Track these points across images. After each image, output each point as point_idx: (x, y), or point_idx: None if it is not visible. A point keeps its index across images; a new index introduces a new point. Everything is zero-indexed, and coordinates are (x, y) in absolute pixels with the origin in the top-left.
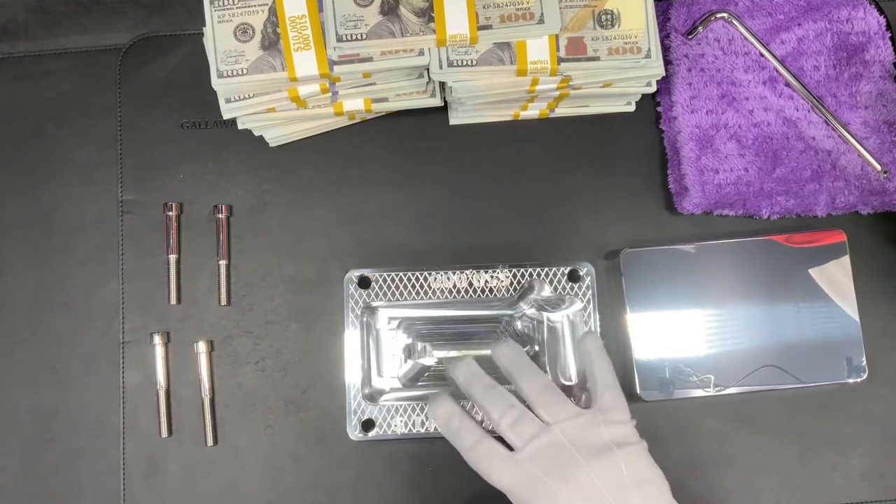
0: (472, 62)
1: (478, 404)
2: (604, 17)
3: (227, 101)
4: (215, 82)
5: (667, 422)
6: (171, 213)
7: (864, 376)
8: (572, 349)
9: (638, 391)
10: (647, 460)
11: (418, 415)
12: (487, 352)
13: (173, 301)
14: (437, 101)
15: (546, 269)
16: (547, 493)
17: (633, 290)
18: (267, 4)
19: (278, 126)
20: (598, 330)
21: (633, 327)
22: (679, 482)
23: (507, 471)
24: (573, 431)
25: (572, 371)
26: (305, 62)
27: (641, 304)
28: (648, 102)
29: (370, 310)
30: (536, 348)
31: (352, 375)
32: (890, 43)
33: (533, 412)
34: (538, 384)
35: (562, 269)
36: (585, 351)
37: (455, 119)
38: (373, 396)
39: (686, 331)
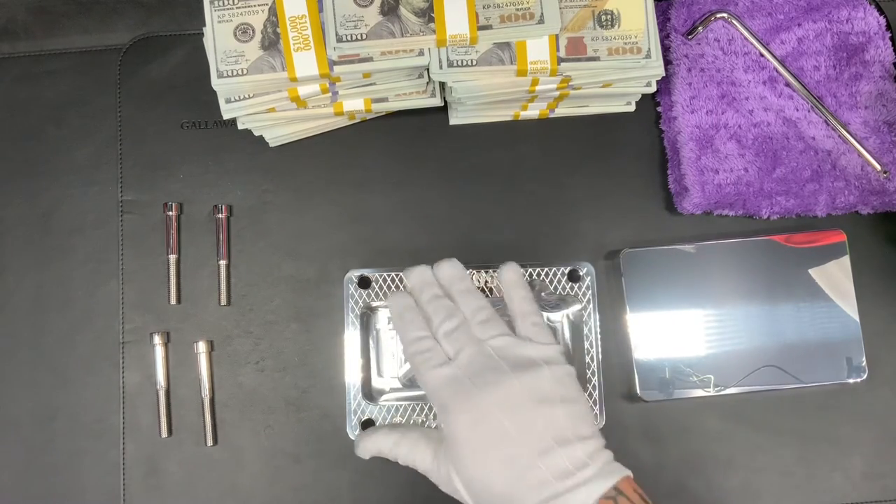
0: (472, 62)
1: (422, 309)
2: (604, 18)
3: (227, 101)
4: (215, 82)
5: (667, 422)
6: (171, 213)
7: (864, 376)
8: (572, 349)
9: (638, 391)
10: (573, 383)
11: (418, 415)
12: None
13: (173, 301)
14: (437, 101)
15: (546, 269)
16: (470, 396)
17: (633, 290)
18: (267, 4)
19: (278, 126)
20: (598, 330)
21: (633, 327)
22: (679, 482)
23: (437, 372)
24: (502, 346)
25: None
26: (305, 62)
27: (641, 304)
28: (648, 102)
29: (370, 310)
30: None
31: (352, 375)
32: (890, 43)
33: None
34: (475, 304)
35: (562, 269)
36: (504, 282)
37: (455, 119)
38: (373, 396)
39: (686, 331)
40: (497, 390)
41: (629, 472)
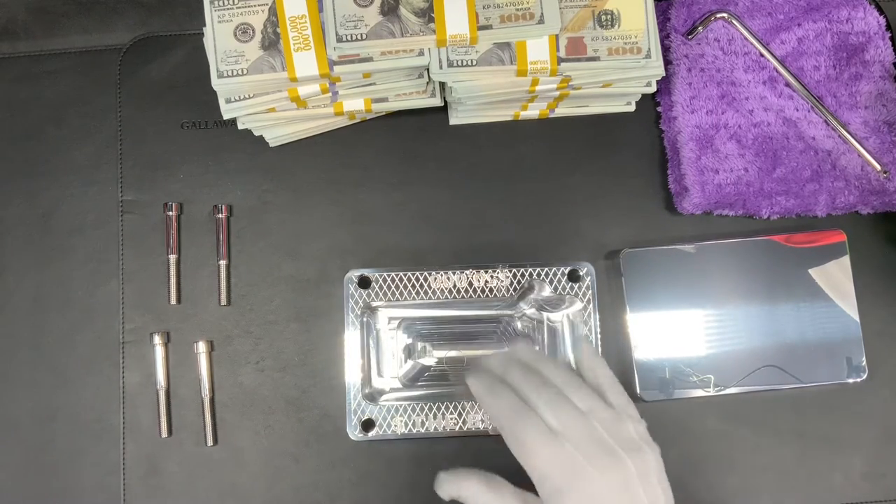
0: (472, 62)
1: (515, 386)
2: (604, 18)
3: (227, 101)
4: (215, 82)
5: (667, 422)
6: (171, 213)
7: (864, 376)
8: (572, 349)
9: (638, 391)
10: (662, 466)
11: (418, 415)
12: (487, 352)
13: (173, 301)
14: (437, 101)
15: (546, 269)
16: (589, 480)
17: (633, 290)
18: (267, 4)
19: (278, 126)
20: (598, 330)
21: (633, 327)
22: (679, 482)
23: (548, 448)
24: (609, 423)
25: None
26: (305, 62)
27: (641, 303)
28: (648, 102)
29: (370, 310)
30: (536, 348)
31: (352, 375)
32: (890, 43)
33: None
34: (566, 374)
35: (562, 269)
36: (583, 359)
37: (455, 119)
38: (373, 396)
39: (686, 331)
40: (615, 475)
41: None
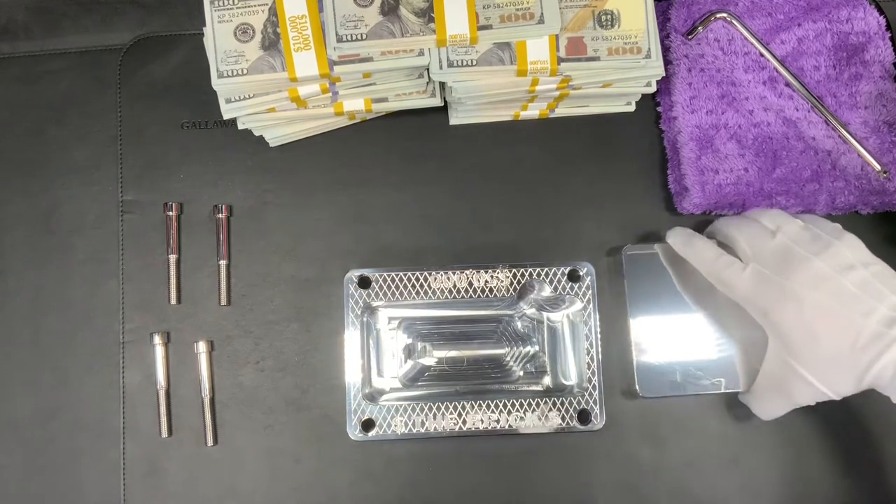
0: (472, 62)
1: (722, 234)
2: (604, 18)
3: (228, 101)
4: (215, 82)
5: (667, 421)
6: (171, 213)
7: None
8: (572, 349)
9: (637, 388)
10: (865, 250)
11: (418, 415)
12: (487, 352)
13: (173, 301)
14: (437, 101)
15: (546, 269)
16: (781, 288)
17: (634, 289)
18: (267, 4)
19: (278, 126)
20: (598, 330)
21: (634, 327)
22: (679, 482)
23: (746, 275)
24: (795, 232)
25: (572, 371)
26: (305, 62)
27: (643, 303)
28: (648, 102)
29: (370, 310)
30: (536, 348)
31: (352, 375)
32: (890, 43)
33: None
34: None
35: (562, 269)
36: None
37: (455, 119)
38: (373, 396)
39: (692, 331)
40: (800, 275)
41: None
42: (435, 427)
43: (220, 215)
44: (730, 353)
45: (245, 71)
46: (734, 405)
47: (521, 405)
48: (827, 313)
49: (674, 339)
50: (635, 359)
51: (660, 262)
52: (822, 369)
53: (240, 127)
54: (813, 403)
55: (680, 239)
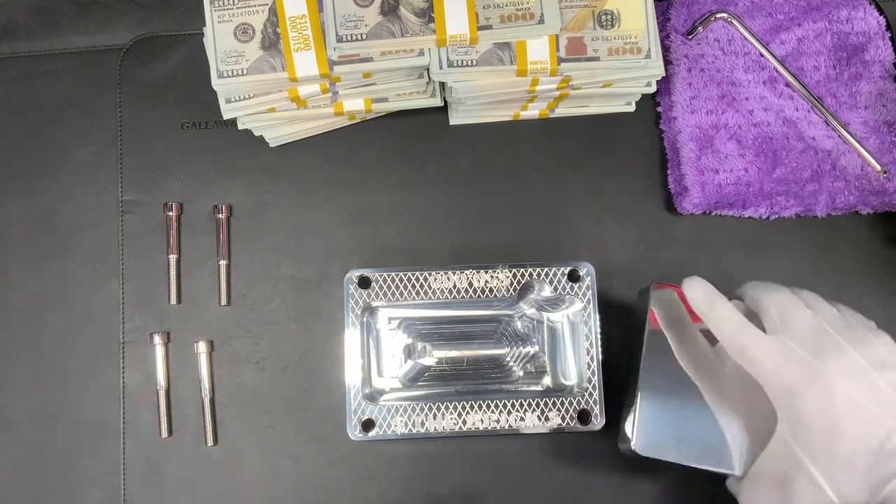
0: (472, 62)
1: (749, 297)
2: (604, 18)
3: (228, 101)
4: (215, 82)
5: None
6: (171, 213)
7: None
8: (572, 349)
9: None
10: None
11: (418, 415)
12: (487, 352)
13: (173, 301)
14: (437, 101)
15: (546, 269)
16: (813, 371)
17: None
18: (267, 4)
19: (278, 126)
20: (598, 330)
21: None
22: (679, 482)
23: (774, 351)
24: (833, 319)
25: (572, 371)
26: (305, 62)
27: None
28: (648, 102)
29: (370, 310)
30: (536, 348)
31: (352, 375)
32: (890, 43)
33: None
34: (782, 290)
35: (562, 269)
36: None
37: (455, 119)
38: (373, 396)
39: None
40: (835, 363)
41: None
42: (435, 427)
43: (220, 215)
44: (729, 436)
45: (245, 71)
46: None
47: (521, 405)
48: (858, 409)
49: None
50: (639, 409)
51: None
52: (836, 470)
53: (240, 127)
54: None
55: (701, 296)
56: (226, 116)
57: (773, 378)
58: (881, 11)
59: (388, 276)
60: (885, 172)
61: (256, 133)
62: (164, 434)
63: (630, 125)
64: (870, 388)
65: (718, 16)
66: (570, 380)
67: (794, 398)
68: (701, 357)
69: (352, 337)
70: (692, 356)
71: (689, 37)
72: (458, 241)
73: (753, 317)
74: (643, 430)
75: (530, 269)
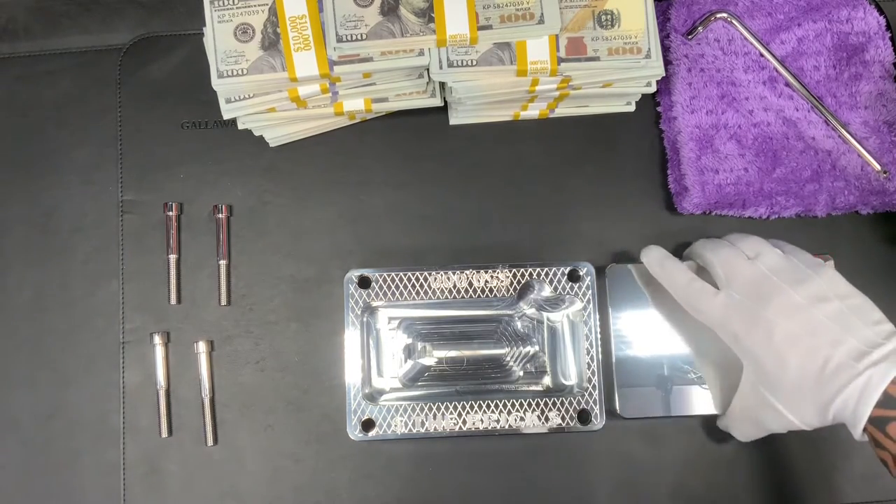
0: (472, 62)
1: (698, 256)
2: (604, 18)
3: (228, 101)
4: (215, 82)
5: (668, 421)
6: (171, 213)
7: None
8: (572, 349)
9: (617, 408)
10: (844, 282)
11: (418, 415)
12: (487, 352)
13: (173, 301)
14: (437, 101)
15: (546, 269)
16: (753, 315)
17: (616, 305)
18: (267, 4)
19: (278, 126)
20: (598, 330)
21: (615, 340)
22: (679, 482)
23: (718, 302)
24: (775, 263)
25: (572, 371)
26: (305, 62)
27: (624, 317)
28: (648, 102)
29: (370, 310)
30: (536, 348)
31: (352, 375)
32: (890, 43)
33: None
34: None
35: (562, 269)
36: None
37: (455, 119)
38: (373, 396)
39: (672, 337)
40: (775, 304)
41: None
42: (435, 427)
43: (220, 215)
44: (708, 379)
45: (245, 71)
46: None
47: (521, 405)
48: (797, 341)
49: (658, 346)
50: (616, 379)
51: (642, 278)
52: (790, 398)
53: (240, 127)
54: (784, 431)
55: (654, 259)
56: (226, 116)
57: (722, 327)
58: (881, 11)
59: (388, 276)
60: (885, 172)
61: (256, 133)
62: (164, 434)
63: (630, 125)
64: (806, 322)
65: (718, 16)
66: (570, 380)
67: (741, 341)
68: (673, 308)
69: (352, 337)
70: (666, 307)
71: (689, 37)
72: (458, 241)
73: (705, 272)
74: (626, 397)
75: (530, 269)
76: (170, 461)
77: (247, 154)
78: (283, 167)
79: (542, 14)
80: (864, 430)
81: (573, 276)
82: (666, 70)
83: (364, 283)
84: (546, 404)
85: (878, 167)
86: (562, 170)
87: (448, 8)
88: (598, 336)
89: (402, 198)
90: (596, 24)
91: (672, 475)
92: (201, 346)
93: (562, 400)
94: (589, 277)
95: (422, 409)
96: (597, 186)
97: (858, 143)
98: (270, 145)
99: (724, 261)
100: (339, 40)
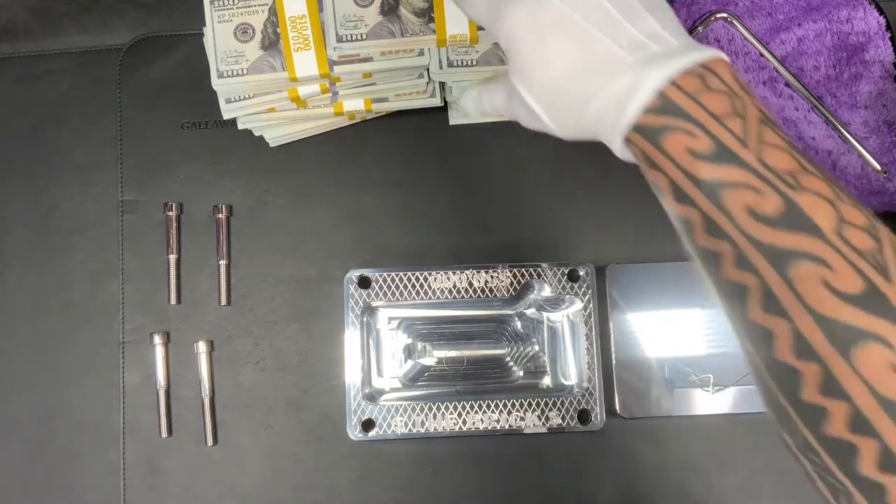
0: (472, 62)
1: None
2: None
3: (227, 101)
4: (215, 82)
5: (666, 422)
6: (171, 213)
7: None
8: (572, 349)
9: (617, 408)
10: None
11: (418, 415)
12: (487, 352)
13: (173, 301)
14: (437, 101)
15: (546, 269)
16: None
17: (616, 307)
18: (267, 4)
19: (278, 126)
20: (598, 329)
21: (615, 340)
22: (679, 482)
23: None
24: None
25: (572, 371)
26: (305, 62)
27: (624, 319)
28: None
29: (370, 310)
30: (536, 348)
31: (352, 375)
32: (890, 43)
33: None
34: None
35: (562, 269)
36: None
37: (455, 119)
38: (373, 396)
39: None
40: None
41: (725, 56)
42: (435, 427)
43: (220, 215)
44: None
45: (245, 71)
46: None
47: (521, 405)
48: (566, 24)
49: (658, 346)
50: (616, 378)
51: (641, 277)
52: (545, 95)
53: (240, 127)
54: (547, 132)
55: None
56: (226, 116)
57: (484, 9)
58: (881, 11)
59: (388, 276)
60: (885, 172)
61: (256, 133)
62: (164, 434)
63: None
64: (586, 3)
65: (718, 16)
66: (570, 380)
67: (501, 21)
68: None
69: (352, 337)
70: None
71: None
72: (458, 241)
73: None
74: (626, 396)
75: (530, 269)
76: (170, 461)
77: (247, 154)
78: (283, 167)
79: None
80: (629, 141)
81: (573, 276)
82: None
83: (364, 283)
84: (546, 404)
85: (878, 167)
86: (562, 170)
87: (448, 8)
88: (598, 336)
89: (402, 198)
90: None
91: (672, 475)
92: (201, 346)
93: (562, 400)
94: (589, 277)
95: (422, 409)
96: (597, 186)
97: (858, 143)
98: (270, 145)
99: None
100: (339, 40)
